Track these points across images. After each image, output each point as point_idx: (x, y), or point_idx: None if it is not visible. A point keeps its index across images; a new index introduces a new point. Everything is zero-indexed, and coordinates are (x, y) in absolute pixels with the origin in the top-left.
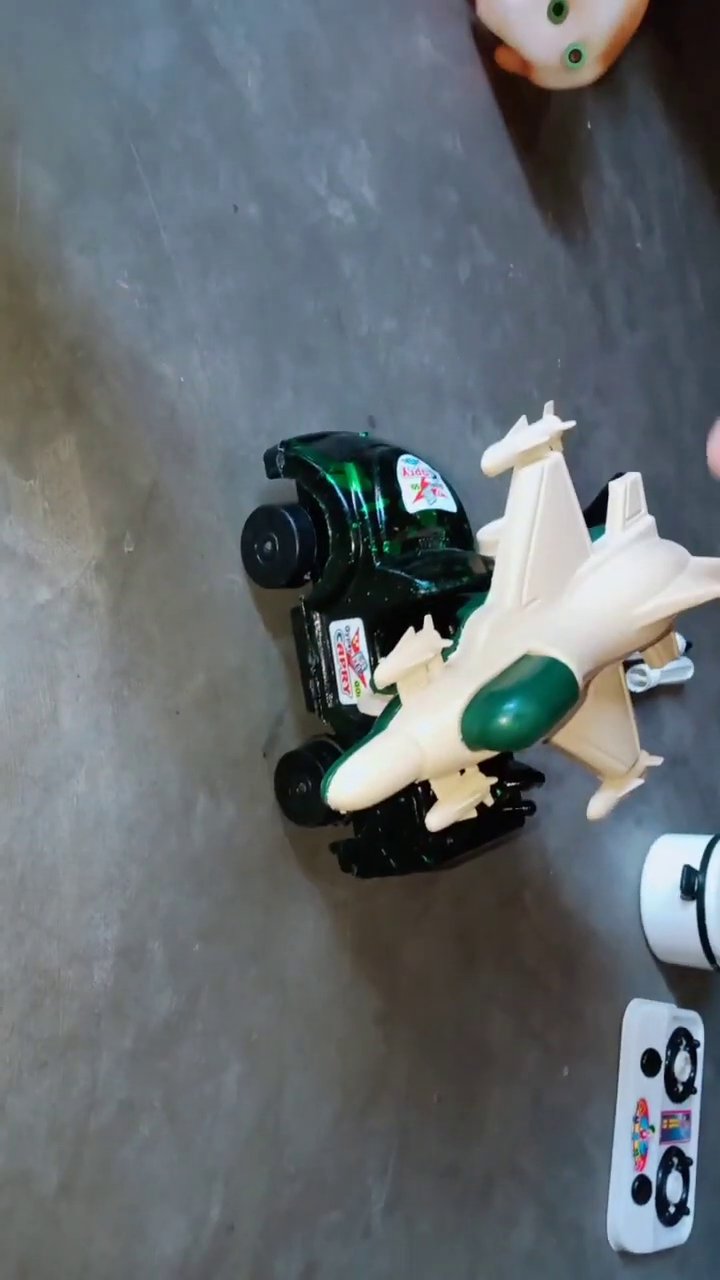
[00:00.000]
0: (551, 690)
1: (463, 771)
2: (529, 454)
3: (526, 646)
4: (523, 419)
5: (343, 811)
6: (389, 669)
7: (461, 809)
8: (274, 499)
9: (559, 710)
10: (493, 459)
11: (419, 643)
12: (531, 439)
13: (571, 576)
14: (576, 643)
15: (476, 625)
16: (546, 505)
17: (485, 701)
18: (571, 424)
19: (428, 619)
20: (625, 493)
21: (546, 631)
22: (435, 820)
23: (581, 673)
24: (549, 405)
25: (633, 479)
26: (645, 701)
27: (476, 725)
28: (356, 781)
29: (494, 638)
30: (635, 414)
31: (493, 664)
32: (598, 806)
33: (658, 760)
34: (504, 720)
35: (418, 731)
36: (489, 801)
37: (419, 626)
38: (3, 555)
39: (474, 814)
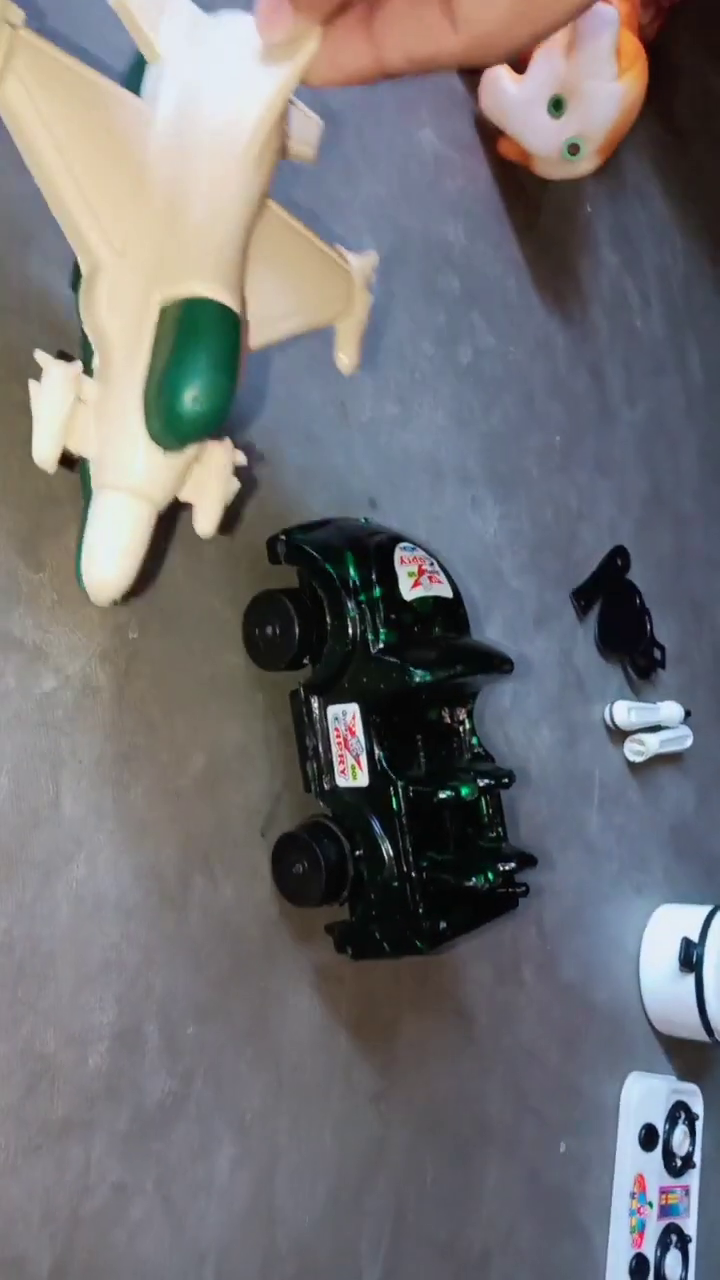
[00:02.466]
0: (212, 340)
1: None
2: None
3: (155, 303)
4: None
5: (116, 601)
6: (44, 443)
7: (223, 493)
8: (276, 583)
9: (233, 354)
10: None
11: (50, 388)
12: None
13: (146, 179)
14: (199, 262)
15: (94, 318)
16: (58, 119)
17: (157, 399)
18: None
19: (42, 355)
20: None
21: (163, 273)
22: (206, 525)
23: (231, 292)
24: None
25: None
26: (645, 770)
27: (164, 428)
28: (106, 563)
29: (118, 318)
30: (635, 486)
31: (138, 348)
32: (343, 359)
33: (372, 257)
34: (187, 409)
35: (124, 479)
36: (240, 461)
37: (416, 714)
38: (11, 646)
39: (238, 483)
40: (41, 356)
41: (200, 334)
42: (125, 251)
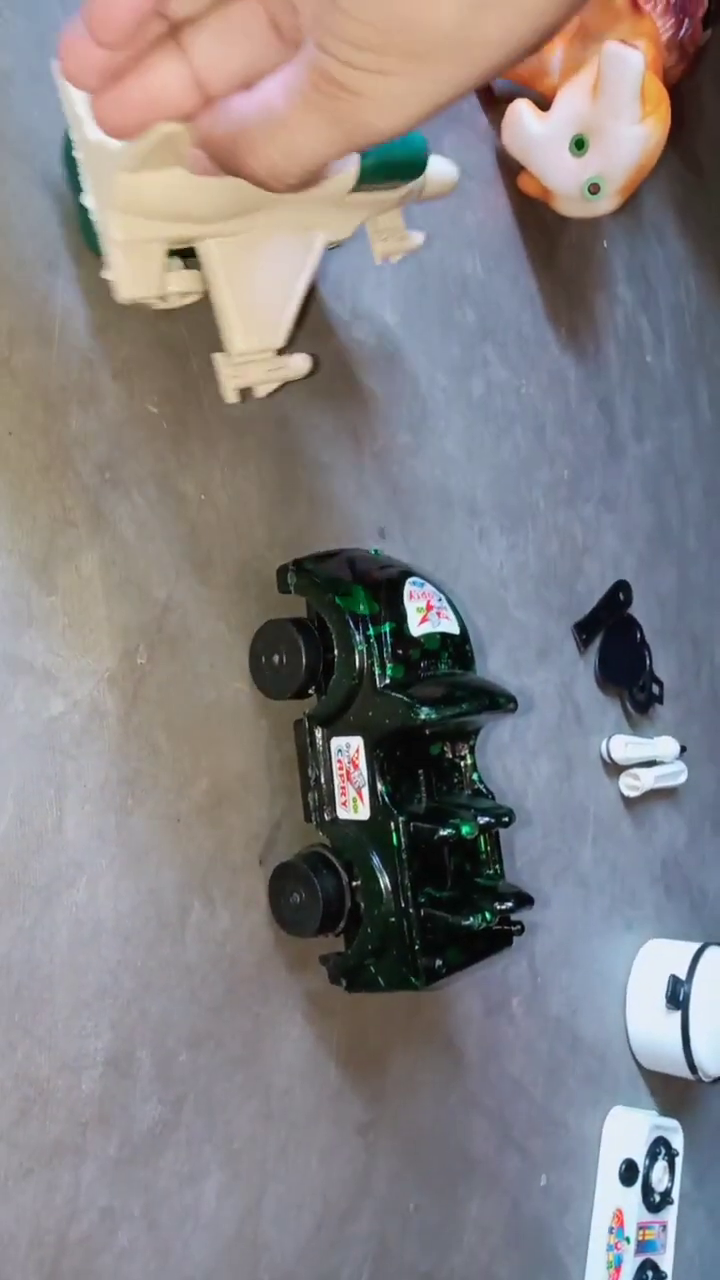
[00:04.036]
0: None
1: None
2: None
3: None
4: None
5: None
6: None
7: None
8: (284, 612)
9: None
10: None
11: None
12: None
13: None
14: None
15: None
16: None
17: None
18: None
19: None
20: None
21: None
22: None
23: None
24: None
25: None
26: (639, 805)
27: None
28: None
29: None
30: (640, 521)
31: None
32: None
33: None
34: None
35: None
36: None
37: (419, 749)
38: (21, 669)
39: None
40: None
41: None
42: None
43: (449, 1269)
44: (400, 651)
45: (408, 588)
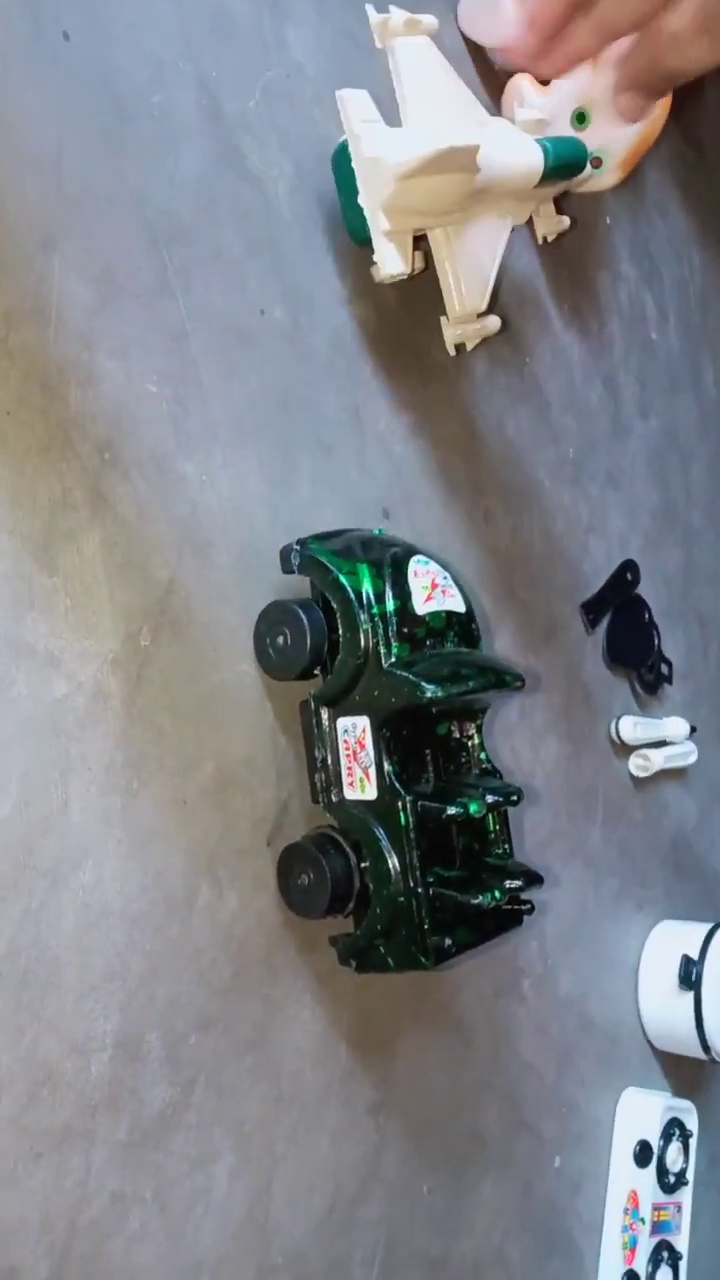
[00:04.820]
0: None
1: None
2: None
3: None
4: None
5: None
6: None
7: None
8: (288, 592)
9: None
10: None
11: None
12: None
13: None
14: None
15: None
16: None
17: None
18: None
19: None
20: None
21: None
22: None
23: None
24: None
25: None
26: (648, 785)
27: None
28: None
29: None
30: (645, 500)
31: None
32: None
33: None
34: None
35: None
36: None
37: (426, 729)
38: (23, 652)
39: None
40: None
41: None
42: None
43: (461, 1252)
44: (405, 630)
45: (412, 565)
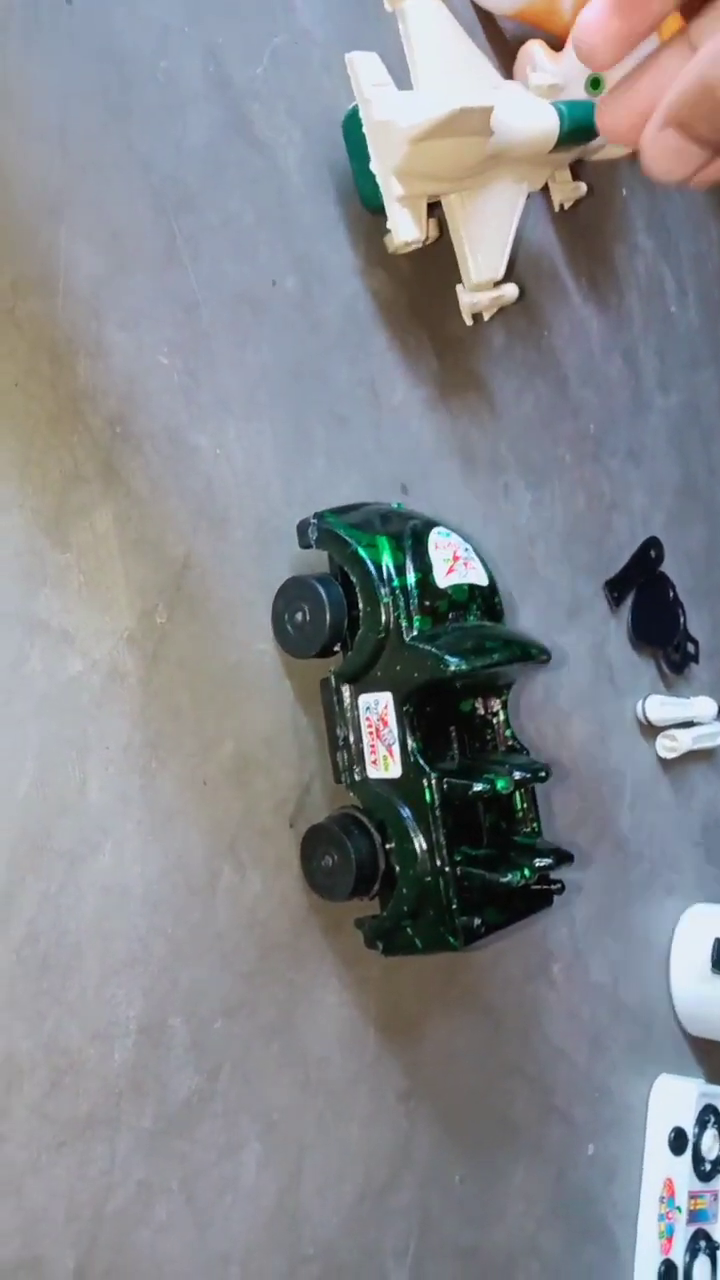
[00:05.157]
0: None
1: None
2: None
3: None
4: None
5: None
6: None
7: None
8: (306, 569)
9: None
10: None
11: None
12: None
13: None
14: None
15: None
16: None
17: None
18: None
19: None
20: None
21: None
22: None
23: None
24: None
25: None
26: (676, 767)
27: None
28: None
29: None
30: (667, 476)
31: None
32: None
33: None
34: None
35: None
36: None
37: (450, 705)
38: (38, 629)
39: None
40: None
41: None
42: None
43: (494, 1241)
44: (427, 603)
45: (433, 538)
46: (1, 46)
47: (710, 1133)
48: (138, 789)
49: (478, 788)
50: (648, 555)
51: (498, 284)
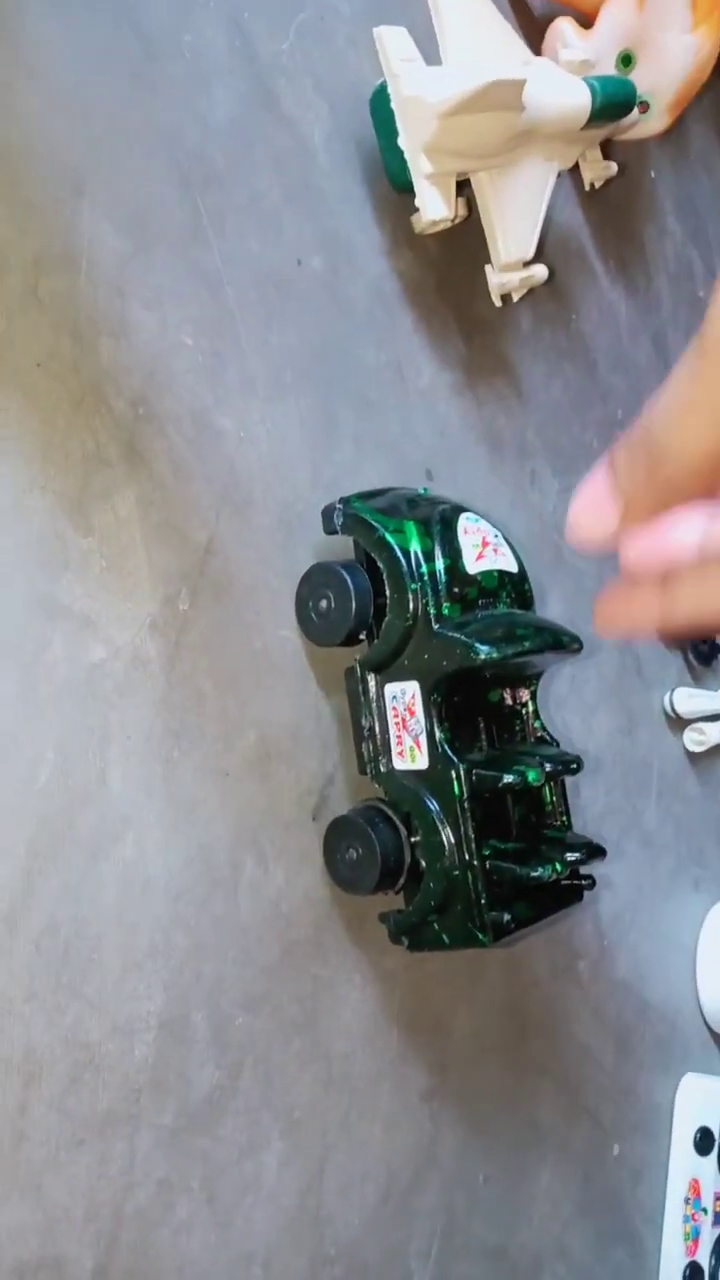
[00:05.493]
0: None
1: None
2: None
3: None
4: None
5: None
6: None
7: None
8: (331, 555)
9: None
10: None
11: None
12: None
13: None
14: None
15: None
16: None
17: None
18: None
19: None
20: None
21: None
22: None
23: None
24: None
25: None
26: (704, 760)
27: None
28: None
29: None
30: None
31: None
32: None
33: None
34: None
35: None
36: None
37: (478, 695)
38: (59, 614)
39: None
40: None
41: None
42: None
43: (520, 1242)
44: (456, 590)
45: (462, 523)
46: (23, 17)
47: None
48: (160, 778)
49: (508, 779)
50: None
51: (527, 264)
